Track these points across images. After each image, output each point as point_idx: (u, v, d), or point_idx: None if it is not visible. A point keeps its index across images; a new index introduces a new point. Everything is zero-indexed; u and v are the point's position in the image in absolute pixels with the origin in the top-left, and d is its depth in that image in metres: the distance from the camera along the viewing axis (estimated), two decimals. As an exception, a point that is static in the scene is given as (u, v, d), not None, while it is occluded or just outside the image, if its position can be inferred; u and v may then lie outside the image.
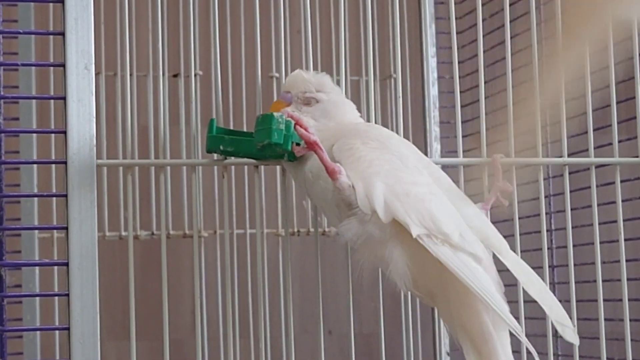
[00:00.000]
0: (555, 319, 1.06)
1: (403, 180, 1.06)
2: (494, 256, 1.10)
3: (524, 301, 1.22)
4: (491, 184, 1.21)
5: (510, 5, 1.29)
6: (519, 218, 1.25)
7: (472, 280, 1.01)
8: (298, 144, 1.10)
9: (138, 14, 2.01)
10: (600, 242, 1.29)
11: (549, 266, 1.44)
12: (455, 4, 1.27)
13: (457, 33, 1.26)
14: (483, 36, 1.28)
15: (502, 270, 1.09)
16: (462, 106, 1.32)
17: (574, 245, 1.28)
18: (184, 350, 2.15)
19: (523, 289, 1.16)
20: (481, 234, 1.08)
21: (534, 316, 1.44)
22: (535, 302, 1.16)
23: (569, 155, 1.30)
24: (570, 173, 1.30)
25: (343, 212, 1.08)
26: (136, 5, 2.01)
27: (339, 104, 1.18)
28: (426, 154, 1.92)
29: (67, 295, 1.05)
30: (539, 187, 1.27)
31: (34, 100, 1.89)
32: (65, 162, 1.06)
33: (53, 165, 1.89)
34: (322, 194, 1.12)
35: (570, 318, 1.26)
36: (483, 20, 1.28)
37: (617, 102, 1.32)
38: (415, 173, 1.08)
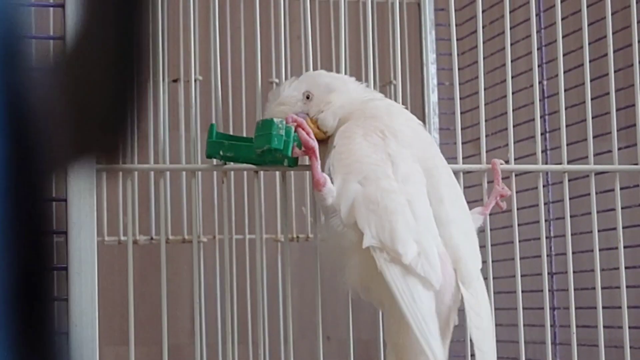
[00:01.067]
0: None
1: (380, 187, 1.04)
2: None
3: (523, 308, 1.22)
4: (491, 189, 1.21)
5: (510, 12, 1.29)
6: (519, 225, 1.26)
7: (406, 303, 0.99)
8: (299, 146, 1.11)
9: (138, 18, 2.01)
10: (600, 250, 1.29)
11: (548, 273, 1.44)
12: (455, 10, 1.28)
13: (457, 40, 1.27)
14: (483, 43, 1.28)
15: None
16: (461, 113, 1.32)
17: (573, 253, 1.28)
18: (183, 355, 2.14)
19: (522, 293, 1.16)
20: (454, 256, 1.06)
21: (534, 323, 1.45)
22: (535, 309, 1.16)
23: (568, 163, 1.30)
24: (569, 180, 1.30)
25: (323, 218, 1.09)
26: (136, 10, 2.01)
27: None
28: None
29: (66, 300, 1.05)
30: (539, 194, 1.28)
31: (33, 105, 1.89)
32: (64, 167, 1.06)
33: (52, 170, 1.88)
34: None
35: (570, 325, 1.26)
36: (483, 27, 1.28)
37: (617, 110, 1.33)
38: (400, 180, 1.06)
